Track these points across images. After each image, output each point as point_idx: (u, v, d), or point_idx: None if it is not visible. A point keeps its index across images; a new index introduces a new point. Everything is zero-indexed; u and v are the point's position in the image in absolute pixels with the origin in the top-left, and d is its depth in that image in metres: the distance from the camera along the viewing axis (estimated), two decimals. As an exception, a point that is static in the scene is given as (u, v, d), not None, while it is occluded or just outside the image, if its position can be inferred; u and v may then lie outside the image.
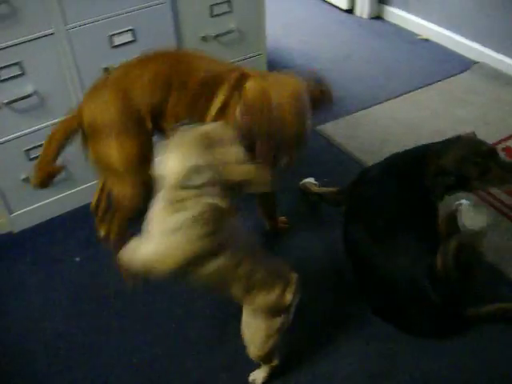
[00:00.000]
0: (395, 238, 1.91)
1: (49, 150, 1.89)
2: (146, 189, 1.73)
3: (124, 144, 1.84)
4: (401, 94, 3.38)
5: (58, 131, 1.91)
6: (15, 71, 2.15)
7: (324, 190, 2.50)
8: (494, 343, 1.93)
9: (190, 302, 2.15)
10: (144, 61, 1.93)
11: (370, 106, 3.27)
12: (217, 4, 2.52)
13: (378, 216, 1.99)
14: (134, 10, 2.29)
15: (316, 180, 2.63)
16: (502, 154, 2.78)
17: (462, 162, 1.99)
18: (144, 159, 1.80)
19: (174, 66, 1.91)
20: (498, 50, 3.57)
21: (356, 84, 3.47)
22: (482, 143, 2.08)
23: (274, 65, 3.56)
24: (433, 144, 2.17)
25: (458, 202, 2.26)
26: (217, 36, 2.57)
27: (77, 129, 1.89)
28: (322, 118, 3.14)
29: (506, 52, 3.53)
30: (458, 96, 3.35)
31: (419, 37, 4.02)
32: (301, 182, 2.65)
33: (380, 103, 3.30)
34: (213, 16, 2.54)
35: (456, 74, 3.58)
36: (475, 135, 2.17)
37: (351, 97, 3.34)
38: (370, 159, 2.75)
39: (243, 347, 1.71)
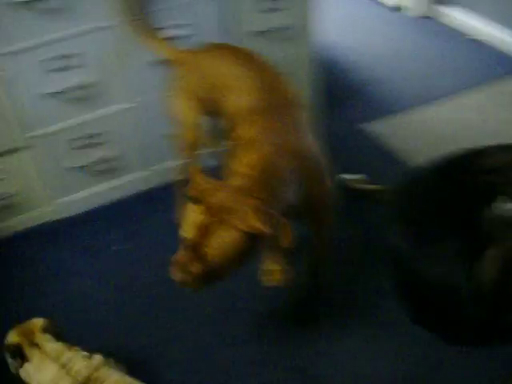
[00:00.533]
0: (442, 243, 1.84)
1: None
2: None
3: None
4: (448, 95, 3.31)
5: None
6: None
7: (368, 187, 2.44)
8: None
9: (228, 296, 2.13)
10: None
11: (418, 106, 3.21)
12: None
13: (426, 218, 1.92)
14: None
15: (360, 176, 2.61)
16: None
17: None
18: None
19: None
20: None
21: (403, 82, 3.41)
22: None
23: (326, 61, 3.51)
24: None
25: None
26: (263, 32, 2.55)
27: None
28: (365, 115, 3.08)
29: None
30: (507, 99, 3.25)
31: (468, 37, 3.91)
32: (340, 176, 2.58)
33: (428, 103, 3.24)
34: (260, 12, 2.52)
35: (506, 76, 3.47)
36: None
37: (398, 95, 3.30)
38: (415, 159, 2.69)
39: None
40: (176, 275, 1.46)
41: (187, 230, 1.45)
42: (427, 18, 4.14)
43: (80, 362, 1.67)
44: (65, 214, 2.58)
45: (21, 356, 1.69)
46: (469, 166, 1.94)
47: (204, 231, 1.42)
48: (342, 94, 3.28)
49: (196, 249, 1.43)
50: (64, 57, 2.20)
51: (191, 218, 1.45)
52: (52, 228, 2.56)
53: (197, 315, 2.12)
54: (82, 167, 2.49)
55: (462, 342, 1.81)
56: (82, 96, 2.32)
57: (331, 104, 3.20)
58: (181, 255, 1.45)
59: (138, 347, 2.01)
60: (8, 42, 2.11)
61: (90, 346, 1.83)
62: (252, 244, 1.45)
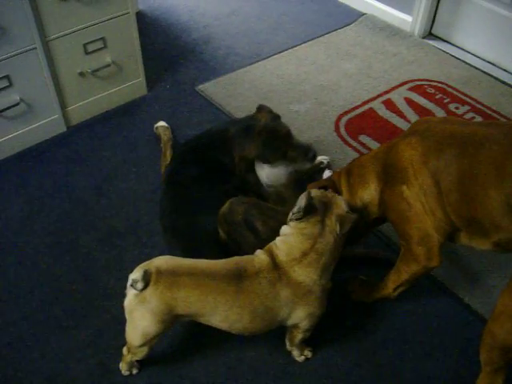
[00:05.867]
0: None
1: None
2: None
3: None
4: (286, 49, 3.31)
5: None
6: None
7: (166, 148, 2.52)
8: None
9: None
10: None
11: (253, 63, 3.17)
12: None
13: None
14: (5, 58, 2.28)
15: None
16: (381, 106, 2.78)
17: (263, 148, 2.14)
18: None
19: None
20: (384, 2, 3.53)
21: (240, 40, 3.36)
22: (278, 126, 2.18)
23: (158, 22, 3.41)
24: (231, 125, 2.22)
25: None
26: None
27: None
28: (202, 77, 3.03)
29: (391, 3, 3.50)
30: (344, 49, 3.31)
31: (309, -11, 3.92)
32: (155, 125, 2.63)
33: (264, 59, 3.22)
34: None
35: (343, 27, 3.54)
36: (272, 111, 2.24)
37: (234, 54, 3.25)
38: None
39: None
40: None
41: None
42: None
43: None
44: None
45: None
46: (220, 147, 2.17)
47: None
48: (176, 56, 3.19)
49: None
50: None
51: None
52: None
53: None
54: None
55: None
56: None
57: (165, 67, 3.11)
58: None
59: None
60: None
61: None
62: None
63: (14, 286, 2.03)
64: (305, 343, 1.79)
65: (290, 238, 1.62)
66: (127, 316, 1.60)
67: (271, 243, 1.66)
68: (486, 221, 1.52)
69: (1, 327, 1.91)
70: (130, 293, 1.57)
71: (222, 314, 1.58)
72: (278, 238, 1.65)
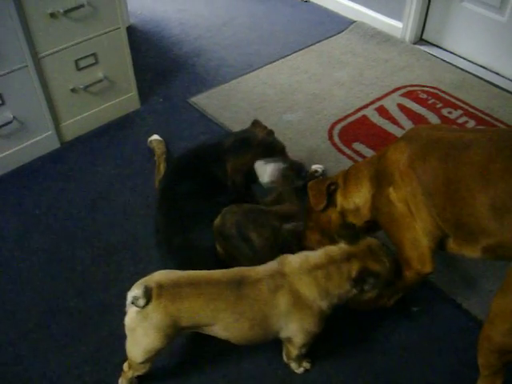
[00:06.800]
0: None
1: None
2: None
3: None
4: (278, 59, 3.33)
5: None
6: None
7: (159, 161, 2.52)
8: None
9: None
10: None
11: (245, 74, 3.19)
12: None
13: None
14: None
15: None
16: (375, 113, 2.79)
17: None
18: None
19: None
20: (374, 9, 3.55)
21: (232, 52, 3.38)
22: (275, 142, 2.17)
23: (149, 35, 3.43)
24: (226, 138, 2.20)
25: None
26: (66, 11, 2.40)
27: None
28: (194, 89, 3.04)
29: (381, 10, 3.52)
30: (335, 57, 3.32)
31: (300, -1, 3.95)
32: (149, 139, 2.64)
33: (256, 70, 3.23)
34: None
35: (334, 35, 3.56)
36: (266, 127, 2.22)
37: (227, 65, 3.27)
38: (243, 128, 2.67)
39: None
40: None
41: None
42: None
43: None
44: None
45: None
46: (214, 161, 2.14)
47: None
48: (168, 69, 3.20)
49: None
50: None
51: None
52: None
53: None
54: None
55: None
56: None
57: (157, 80, 3.12)
58: None
59: None
60: None
61: None
62: None
63: (11, 304, 2.02)
64: (302, 355, 1.78)
65: (311, 253, 1.65)
66: (128, 333, 1.60)
67: (289, 254, 1.67)
68: (473, 225, 1.53)
69: (-2, 346, 1.90)
70: (131, 310, 1.56)
71: (224, 321, 1.59)
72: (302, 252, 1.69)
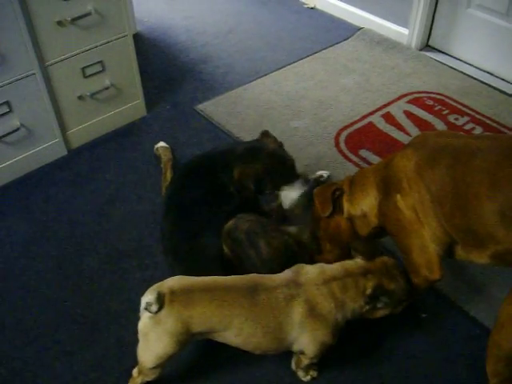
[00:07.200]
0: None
1: None
2: None
3: None
4: (284, 66, 3.33)
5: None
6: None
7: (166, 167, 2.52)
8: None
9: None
10: None
11: (252, 81, 3.19)
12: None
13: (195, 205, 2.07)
14: (4, 84, 2.30)
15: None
16: (381, 120, 2.80)
17: (269, 171, 2.10)
18: None
19: None
20: (380, 15, 3.55)
21: (239, 58, 3.39)
22: (286, 155, 2.17)
23: (156, 42, 3.44)
24: (236, 146, 2.21)
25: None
26: (73, 19, 2.41)
27: None
28: (201, 96, 3.05)
29: (387, 17, 3.52)
30: (342, 64, 3.32)
31: (306, 5, 3.96)
32: (155, 146, 2.64)
33: (262, 76, 3.23)
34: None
35: (341, 42, 3.55)
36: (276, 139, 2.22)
37: (233, 72, 3.27)
38: (250, 136, 2.70)
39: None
40: None
41: None
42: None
43: None
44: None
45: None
46: (224, 168, 2.13)
47: None
48: (175, 76, 3.21)
49: None
50: None
51: None
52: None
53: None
54: None
55: None
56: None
57: (164, 88, 3.13)
58: None
59: None
60: None
61: None
62: None
63: (18, 311, 2.03)
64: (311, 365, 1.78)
65: (327, 266, 1.66)
66: (141, 338, 1.61)
67: (304, 264, 1.68)
68: (481, 231, 1.52)
69: (5, 353, 1.91)
70: (144, 315, 1.58)
71: (237, 327, 1.59)
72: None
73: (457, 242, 1.61)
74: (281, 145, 2.19)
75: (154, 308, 1.52)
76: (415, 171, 1.61)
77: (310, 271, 1.64)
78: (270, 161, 2.10)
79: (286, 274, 1.65)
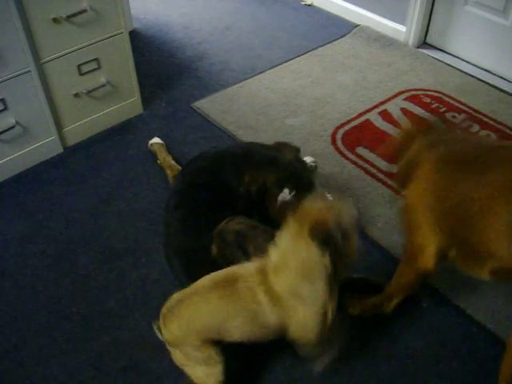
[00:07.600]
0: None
1: None
2: None
3: None
4: (281, 63, 3.31)
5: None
6: None
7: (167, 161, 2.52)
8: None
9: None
10: None
11: (248, 78, 3.18)
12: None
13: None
14: (1, 82, 2.29)
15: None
16: (378, 117, 2.79)
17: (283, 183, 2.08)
18: None
19: None
20: (377, 12, 3.55)
21: (235, 56, 3.37)
22: (300, 172, 2.16)
23: (152, 40, 3.43)
24: (252, 153, 2.17)
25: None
26: (69, 17, 2.40)
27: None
28: (197, 94, 3.04)
29: (384, 14, 3.51)
30: (338, 61, 3.31)
31: (303, 2, 3.95)
32: (149, 142, 2.63)
33: (259, 74, 3.22)
34: None
35: (338, 39, 3.54)
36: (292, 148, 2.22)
37: (229, 69, 3.26)
38: (246, 133, 2.69)
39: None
40: None
41: None
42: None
43: None
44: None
45: None
46: (238, 170, 2.10)
47: None
48: (171, 74, 3.19)
49: None
50: None
51: None
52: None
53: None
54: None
55: None
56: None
57: (160, 85, 3.12)
58: None
59: None
60: None
61: None
62: None
63: (13, 310, 2.02)
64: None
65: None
66: (186, 371, 1.65)
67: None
68: (482, 247, 1.51)
69: (0, 352, 1.89)
70: (170, 351, 1.64)
71: (229, 322, 1.58)
72: None
73: (457, 253, 1.61)
74: (297, 149, 2.19)
75: (161, 337, 1.59)
76: (429, 172, 1.60)
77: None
78: (282, 175, 2.08)
79: (253, 261, 1.63)
